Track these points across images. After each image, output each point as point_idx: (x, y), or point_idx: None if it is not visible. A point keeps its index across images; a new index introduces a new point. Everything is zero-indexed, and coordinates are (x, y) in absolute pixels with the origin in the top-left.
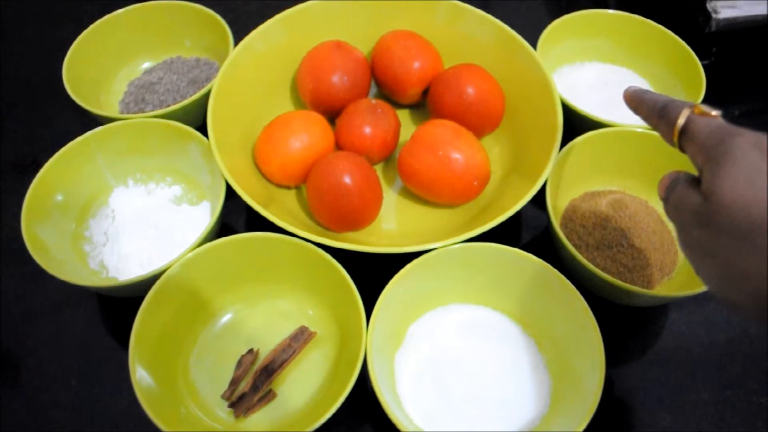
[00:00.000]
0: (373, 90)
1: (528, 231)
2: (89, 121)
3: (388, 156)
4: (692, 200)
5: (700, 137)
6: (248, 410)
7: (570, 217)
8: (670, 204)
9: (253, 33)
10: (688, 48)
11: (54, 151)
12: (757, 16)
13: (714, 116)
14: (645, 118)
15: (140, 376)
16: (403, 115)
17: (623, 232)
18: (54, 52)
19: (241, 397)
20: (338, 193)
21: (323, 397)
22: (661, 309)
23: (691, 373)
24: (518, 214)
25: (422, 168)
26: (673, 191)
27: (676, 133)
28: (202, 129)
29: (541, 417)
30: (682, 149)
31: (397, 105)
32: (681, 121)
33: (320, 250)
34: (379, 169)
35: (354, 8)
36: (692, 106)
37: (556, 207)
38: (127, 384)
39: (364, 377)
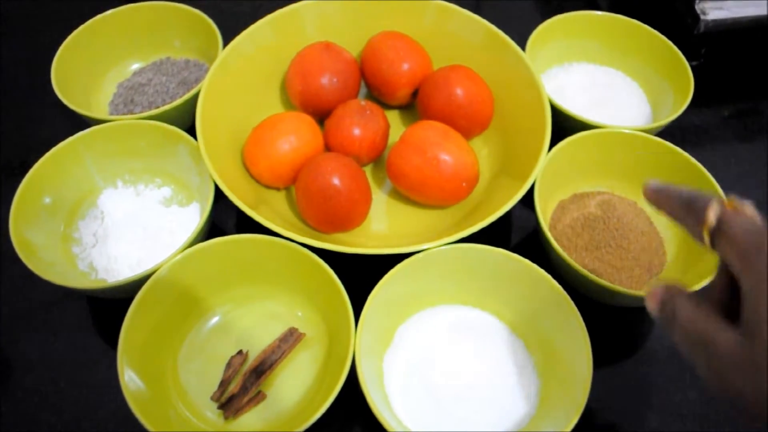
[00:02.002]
0: (363, 91)
1: (517, 232)
2: (78, 122)
3: (378, 157)
4: (721, 338)
5: (736, 241)
6: (238, 411)
7: (558, 218)
8: (677, 331)
9: (242, 34)
10: (677, 49)
11: (43, 153)
12: (745, 17)
13: (747, 213)
14: (670, 214)
15: (129, 377)
16: (393, 116)
17: (612, 233)
18: (42, 53)
19: (231, 398)
20: (327, 194)
21: (313, 398)
22: None
23: (678, 373)
24: (507, 215)
25: (411, 169)
26: (676, 313)
27: (707, 232)
28: (192, 130)
29: (529, 417)
30: (712, 247)
31: (386, 106)
32: (712, 218)
33: (309, 252)
34: (368, 170)
35: (343, 10)
36: (721, 201)
37: (545, 208)
38: (116, 386)
39: (353, 378)
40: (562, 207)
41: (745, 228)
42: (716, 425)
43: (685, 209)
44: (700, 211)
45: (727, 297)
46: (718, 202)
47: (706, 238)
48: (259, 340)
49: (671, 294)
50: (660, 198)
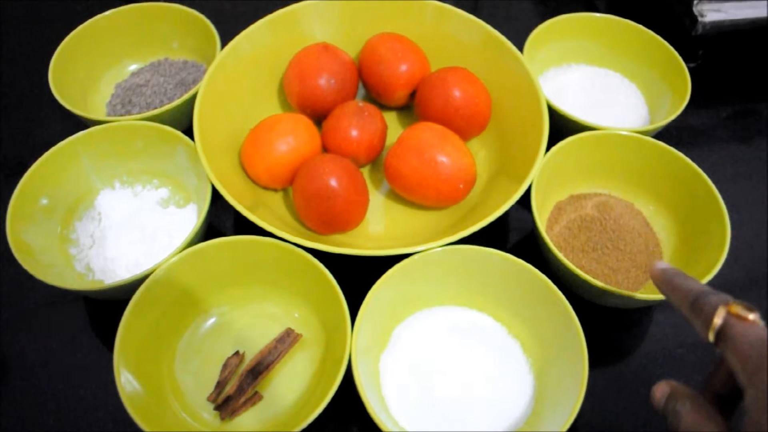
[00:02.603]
0: (361, 92)
1: (514, 233)
2: (75, 123)
3: (375, 158)
4: None
5: (739, 349)
6: (234, 412)
7: (555, 219)
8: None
9: (240, 35)
10: (675, 51)
11: (40, 154)
12: (742, 19)
13: (752, 321)
14: (675, 305)
15: (125, 379)
16: (390, 117)
17: (608, 234)
18: (40, 54)
19: (227, 399)
20: (324, 195)
21: (309, 399)
22: (645, 311)
23: (674, 374)
24: (504, 216)
25: (408, 171)
26: (679, 415)
27: (713, 334)
28: (189, 131)
29: (525, 418)
30: (716, 347)
31: (384, 107)
32: (718, 321)
33: (306, 253)
34: (365, 171)
35: (341, 11)
36: (727, 303)
37: (542, 209)
38: (113, 386)
39: (350, 379)
40: (558, 208)
41: (749, 339)
42: None
43: (691, 308)
44: (706, 314)
45: (726, 391)
46: (723, 306)
47: (712, 339)
48: (255, 341)
49: (676, 392)
50: (666, 289)
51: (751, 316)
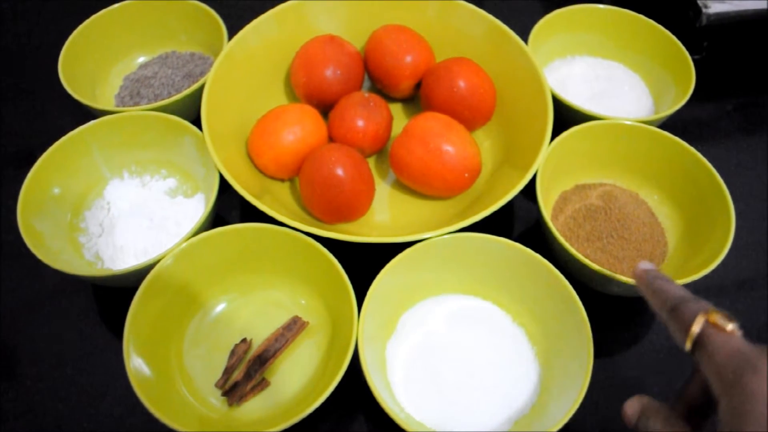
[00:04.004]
0: (366, 84)
1: (519, 223)
2: (85, 114)
3: (381, 149)
4: None
5: (715, 359)
6: (241, 398)
7: (561, 209)
8: None
9: (247, 27)
10: (679, 42)
11: (50, 144)
12: (747, 10)
13: (730, 331)
14: (654, 309)
15: (135, 364)
16: (396, 108)
17: (613, 223)
18: (50, 46)
19: (235, 385)
20: (331, 184)
21: (315, 386)
22: None
23: (679, 363)
24: (510, 206)
25: (414, 160)
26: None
27: (690, 342)
28: (197, 122)
29: (530, 405)
30: (692, 355)
31: (389, 98)
32: (696, 329)
33: (312, 241)
34: (371, 161)
35: (347, 3)
36: (707, 311)
37: (547, 199)
38: (122, 372)
39: (356, 366)
40: (564, 198)
41: (726, 350)
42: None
43: (670, 314)
44: (685, 322)
45: (699, 402)
46: (702, 313)
47: (689, 347)
48: (262, 328)
49: (647, 409)
50: (646, 291)
51: (730, 327)
